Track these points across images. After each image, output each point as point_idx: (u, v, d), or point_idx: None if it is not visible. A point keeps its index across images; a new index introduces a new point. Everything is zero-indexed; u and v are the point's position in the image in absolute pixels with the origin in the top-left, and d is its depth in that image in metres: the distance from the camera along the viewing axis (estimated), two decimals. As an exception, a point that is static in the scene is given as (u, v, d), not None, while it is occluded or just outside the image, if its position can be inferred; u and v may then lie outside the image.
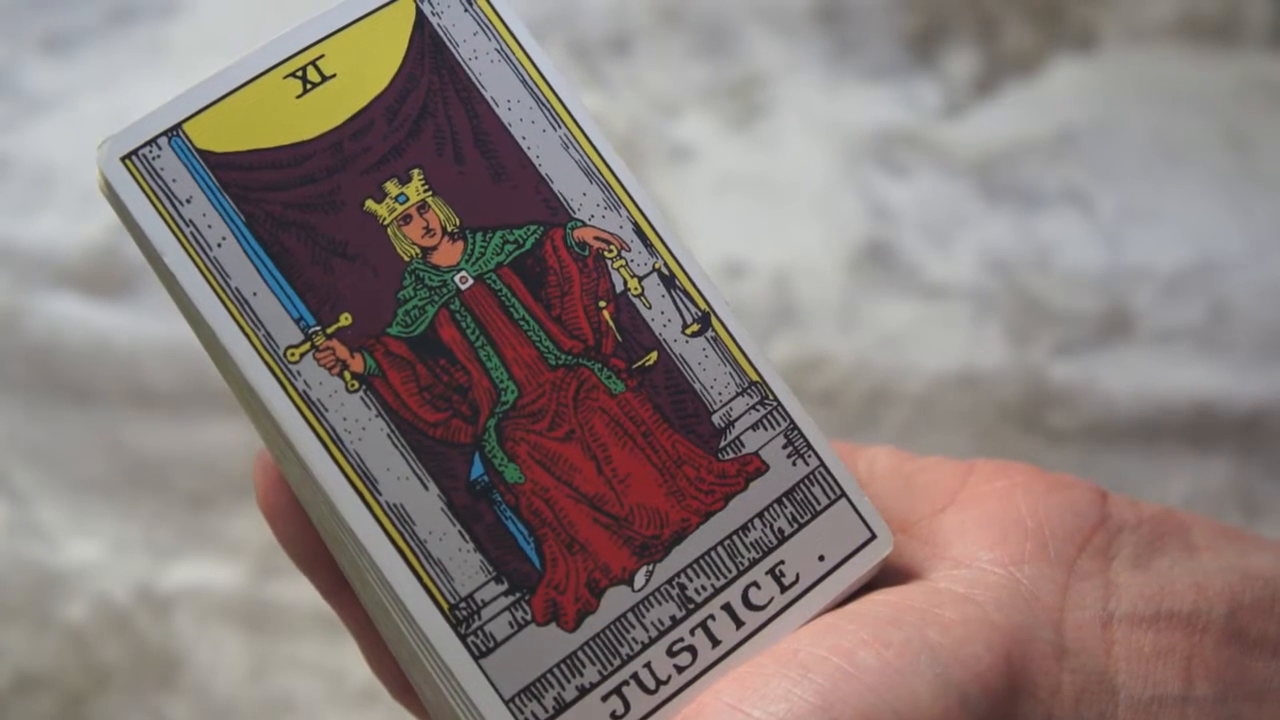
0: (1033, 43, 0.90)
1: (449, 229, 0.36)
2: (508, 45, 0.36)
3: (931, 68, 0.89)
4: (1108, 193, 0.83)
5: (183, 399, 0.75)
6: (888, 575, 0.38)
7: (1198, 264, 0.80)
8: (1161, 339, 0.77)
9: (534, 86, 0.37)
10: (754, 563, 0.37)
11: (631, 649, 0.35)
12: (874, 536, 0.38)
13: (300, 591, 0.71)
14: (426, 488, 0.35)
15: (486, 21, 0.36)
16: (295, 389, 0.35)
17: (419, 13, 0.36)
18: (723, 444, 0.37)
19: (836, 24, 0.90)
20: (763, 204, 0.83)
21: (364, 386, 0.35)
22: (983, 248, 0.80)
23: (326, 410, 0.35)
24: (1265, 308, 0.78)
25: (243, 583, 0.72)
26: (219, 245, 0.35)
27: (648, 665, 0.35)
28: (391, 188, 0.36)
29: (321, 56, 0.35)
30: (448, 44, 0.36)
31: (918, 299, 0.79)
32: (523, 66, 0.37)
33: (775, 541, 0.37)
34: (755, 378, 0.38)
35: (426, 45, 0.36)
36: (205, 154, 0.35)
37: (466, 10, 0.36)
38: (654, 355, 0.37)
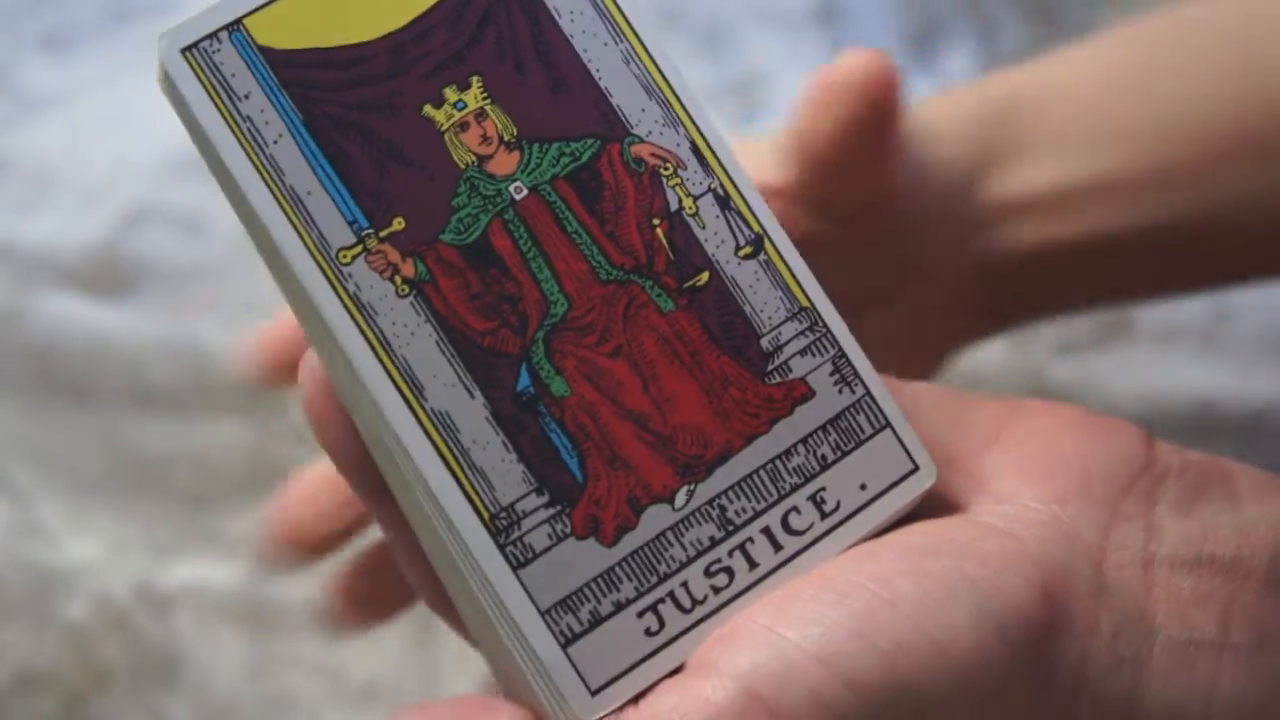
0: (1031, 43, 0.90)
1: (506, 138, 0.36)
2: None
3: (930, 68, 0.89)
4: (1108, 193, 0.83)
5: (183, 398, 0.75)
6: (929, 508, 0.38)
7: (1198, 264, 0.80)
8: (1162, 339, 0.77)
9: None
10: (795, 488, 0.37)
11: (669, 567, 0.35)
12: (917, 468, 0.38)
13: (300, 590, 0.71)
14: (472, 396, 0.35)
15: None
16: (346, 291, 0.35)
17: None
18: (770, 368, 0.37)
19: (836, 24, 0.90)
20: (763, 204, 0.83)
21: (414, 292, 0.35)
22: (983, 247, 0.80)
23: (376, 314, 0.35)
24: (1266, 308, 0.78)
25: (243, 581, 0.72)
26: (275, 142, 0.35)
27: (684, 584, 0.35)
28: (450, 94, 0.36)
29: None
30: None
31: (918, 299, 0.79)
32: None
33: (818, 468, 0.37)
34: (805, 303, 0.37)
35: None
36: (265, 50, 0.35)
37: None
38: (705, 275, 0.37)
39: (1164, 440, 0.39)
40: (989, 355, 0.76)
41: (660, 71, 0.37)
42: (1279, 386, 0.76)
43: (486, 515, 0.35)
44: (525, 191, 0.36)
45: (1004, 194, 0.53)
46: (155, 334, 0.76)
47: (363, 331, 0.35)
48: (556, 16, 0.36)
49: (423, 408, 0.35)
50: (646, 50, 0.37)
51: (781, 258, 0.37)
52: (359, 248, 0.35)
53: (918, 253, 0.53)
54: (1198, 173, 0.51)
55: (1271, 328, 0.77)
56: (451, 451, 0.35)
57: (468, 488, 0.35)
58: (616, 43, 0.37)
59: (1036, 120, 0.53)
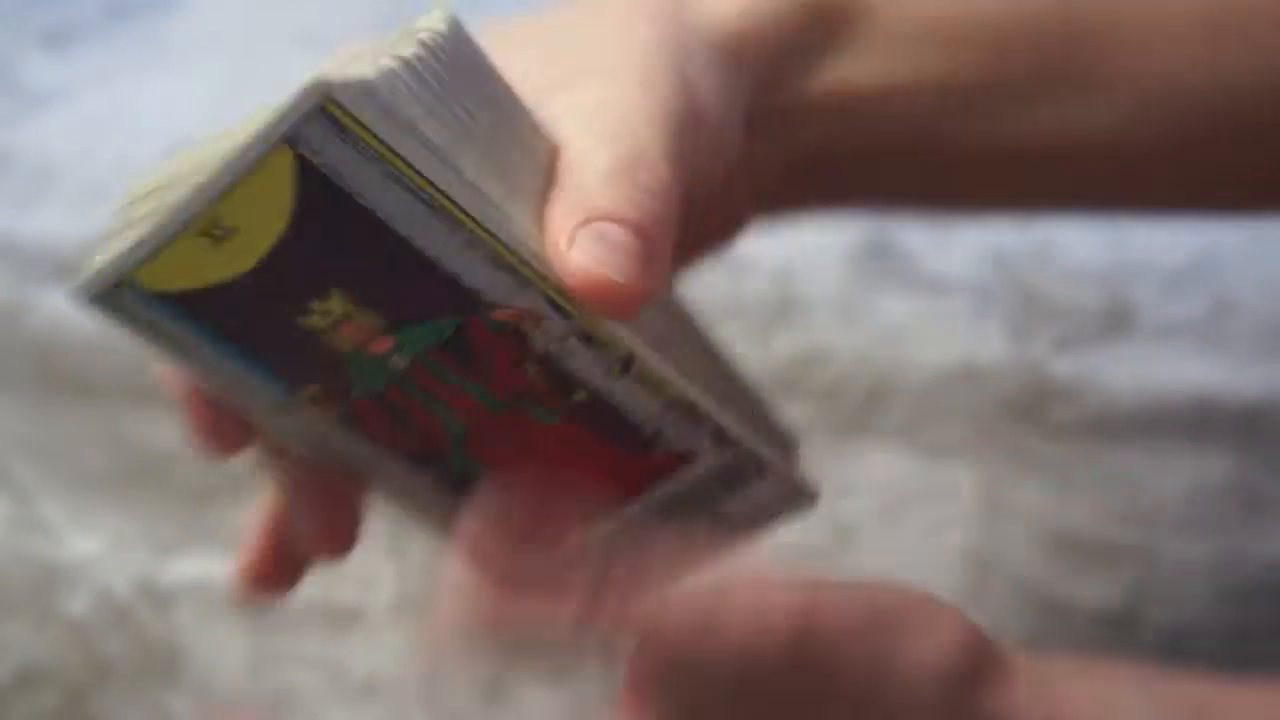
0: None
1: (377, 328, 0.39)
2: (394, 167, 0.36)
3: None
4: (1108, 187, 0.83)
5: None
6: None
7: (1199, 259, 0.80)
8: (1162, 334, 0.77)
9: (427, 198, 0.37)
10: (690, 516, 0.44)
11: None
12: (801, 495, 0.46)
13: (302, 587, 0.71)
14: (422, 478, 0.44)
15: (368, 149, 0.36)
16: (291, 430, 0.42)
17: (297, 157, 0.35)
18: (654, 448, 0.43)
19: (837, 18, 0.90)
20: (763, 199, 0.83)
21: (346, 427, 0.42)
22: (983, 242, 0.81)
23: (325, 443, 0.42)
24: (1266, 303, 0.78)
25: (244, 577, 0.72)
26: (196, 351, 0.39)
27: None
28: (317, 306, 0.38)
29: (219, 216, 0.36)
30: (333, 178, 0.36)
31: (918, 294, 0.79)
32: (413, 183, 0.37)
33: (705, 509, 0.45)
34: (682, 398, 0.42)
35: (314, 184, 0.36)
36: (158, 292, 0.38)
37: (345, 143, 0.35)
38: (584, 393, 0.41)
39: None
40: (990, 350, 0.77)
41: (503, 244, 0.38)
42: (1278, 381, 0.76)
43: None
44: (406, 361, 0.40)
45: (825, 87, 0.52)
46: (156, 330, 0.76)
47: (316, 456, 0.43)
48: (392, 223, 0.37)
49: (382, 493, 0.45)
50: (485, 229, 0.38)
51: (652, 368, 0.41)
52: (289, 405, 0.41)
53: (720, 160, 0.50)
54: (1022, 92, 0.50)
55: (1271, 322, 0.77)
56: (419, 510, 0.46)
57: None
58: (455, 232, 0.38)
59: (864, 15, 0.51)
